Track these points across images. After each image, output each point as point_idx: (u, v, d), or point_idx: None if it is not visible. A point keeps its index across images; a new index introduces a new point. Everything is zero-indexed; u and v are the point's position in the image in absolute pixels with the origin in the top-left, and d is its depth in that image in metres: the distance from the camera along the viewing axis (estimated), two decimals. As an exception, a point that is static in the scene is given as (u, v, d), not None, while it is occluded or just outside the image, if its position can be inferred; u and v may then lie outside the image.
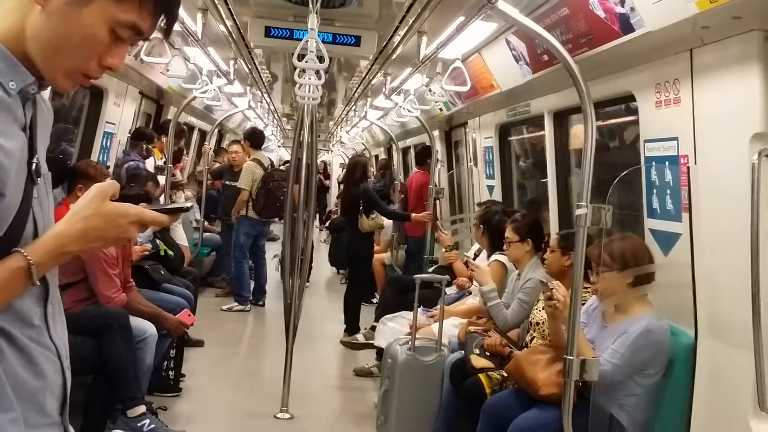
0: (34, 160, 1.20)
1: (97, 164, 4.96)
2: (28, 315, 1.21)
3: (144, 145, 6.57)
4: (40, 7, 1.15)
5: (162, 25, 1.24)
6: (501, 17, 2.83)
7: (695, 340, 2.99)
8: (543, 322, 3.70)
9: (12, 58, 1.16)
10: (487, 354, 3.86)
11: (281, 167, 9.62)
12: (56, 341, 1.28)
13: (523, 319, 4.04)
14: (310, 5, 2.93)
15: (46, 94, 1.26)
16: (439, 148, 8.07)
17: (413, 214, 7.16)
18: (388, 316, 5.21)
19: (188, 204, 1.32)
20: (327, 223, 13.40)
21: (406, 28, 4.47)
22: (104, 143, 5.88)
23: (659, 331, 3.03)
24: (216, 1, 4.23)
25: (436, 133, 8.15)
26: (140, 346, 3.98)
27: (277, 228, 9.73)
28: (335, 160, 19.40)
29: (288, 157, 19.53)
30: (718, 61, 2.80)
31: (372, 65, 6.20)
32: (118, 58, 1.22)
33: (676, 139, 3.10)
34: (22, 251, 1.14)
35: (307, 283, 6.23)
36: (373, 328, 5.94)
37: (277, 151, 19.27)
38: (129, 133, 6.61)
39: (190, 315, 4.61)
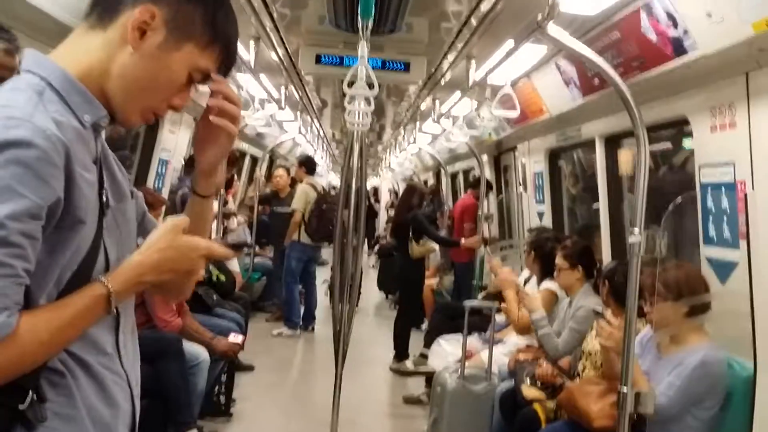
0: (105, 191, 1.24)
1: (155, 191, 5.09)
2: (101, 342, 1.25)
3: (198, 171, 6.68)
4: (131, 48, 1.22)
5: (222, 72, 1.35)
6: (551, 41, 2.81)
7: (755, 373, 2.89)
8: (595, 353, 3.63)
9: (87, 93, 1.22)
10: (538, 384, 3.80)
11: (331, 192, 9.69)
12: (127, 369, 1.31)
13: (574, 347, 3.97)
14: (360, 33, 2.96)
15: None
16: (488, 173, 8.03)
17: (462, 240, 7.12)
18: (444, 335, 5.19)
19: (250, 240, 1.39)
20: (376, 248, 13.41)
21: (455, 53, 4.48)
22: (159, 170, 6.00)
23: (716, 362, 2.94)
24: (268, 30, 4.31)
25: (485, 157, 8.12)
26: (193, 371, 4.04)
27: (326, 253, 9.77)
28: (384, 185, 19.46)
29: (337, 182, 19.70)
30: (775, 85, 2.73)
31: (421, 90, 6.22)
32: (184, 100, 1.32)
33: (732, 164, 3.02)
34: (103, 279, 1.18)
35: (357, 308, 6.23)
36: (423, 356, 5.90)
37: (326, 176, 19.43)
38: (183, 159, 6.74)
39: (236, 335, 4.65)
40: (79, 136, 1.17)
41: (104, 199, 1.23)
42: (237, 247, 1.63)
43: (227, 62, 1.33)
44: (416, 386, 5.87)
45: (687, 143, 4.48)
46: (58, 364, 1.16)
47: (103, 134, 1.38)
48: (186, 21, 1.24)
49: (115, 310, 1.22)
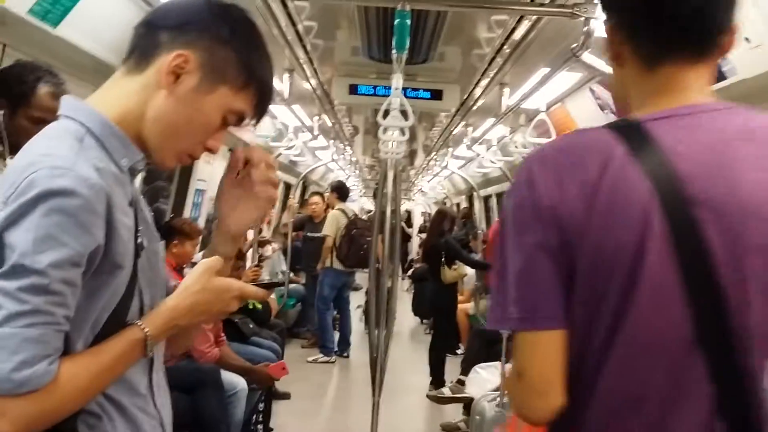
0: (139, 234, 1.26)
1: (192, 222, 5.15)
2: (135, 384, 1.25)
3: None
4: (165, 91, 1.23)
5: (258, 112, 1.34)
6: (586, 69, 2.81)
7: None
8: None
9: (125, 137, 1.23)
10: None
11: (363, 216, 9.72)
12: (160, 409, 1.32)
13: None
14: (395, 65, 2.98)
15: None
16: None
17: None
18: (481, 364, 5.14)
19: (282, 279, 1.39)
20: (409, 272, 13.38)
21: (488, 80, 4.48)
22: (196, 200, 6.09)
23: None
24: (301, 61, 4.37)
25: (519, 181, 8.07)
26: (231, 400, 4.05)
27: (359, 277, 9.78)
28: (417, 209, 19.47)
29: (368, 206, 19.74)
30: (816, 108, 2.69)
31: (454, 116, 6.24)
32: (219, 142, 1.31)
33: None
34: (140, 324, 1.20)
35: (392, 334, 6.21)
36: (460, 382, 5.84)
37: (358, 201, 19.51)
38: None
39: (283, 369, 4.66)
40: (117, 180, 1.19)
41: (139, 241, 1.24)
42: (270, 286, 1.66)
43: (262, 104, 1.33)
44: (454, 413, 5.82)
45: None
46: (94, 406, 1.17)
47: (136, 180, 1.40)
48: (220, 64, 1.25)
49: (151, 353, 1.23)
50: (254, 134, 6.28)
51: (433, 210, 16.51)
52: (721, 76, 2.92)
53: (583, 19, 2.39)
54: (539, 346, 1.13)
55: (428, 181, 14.05)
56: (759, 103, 3.00)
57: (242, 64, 1.26)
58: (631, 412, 1.10)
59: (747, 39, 2.63)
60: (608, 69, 2.56)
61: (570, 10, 2.40)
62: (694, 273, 1.06)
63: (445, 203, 14.35)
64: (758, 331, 1.07)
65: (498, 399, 4.17)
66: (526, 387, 1.15)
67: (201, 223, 6.14)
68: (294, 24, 3.58)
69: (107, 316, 1.17)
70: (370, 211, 14.91)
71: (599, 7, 2.22)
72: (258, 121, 1.38)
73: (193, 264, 4.89)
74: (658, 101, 1.17)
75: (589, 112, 4.63)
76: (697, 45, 1.16)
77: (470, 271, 7.65)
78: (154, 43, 1.24)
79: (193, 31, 1.24)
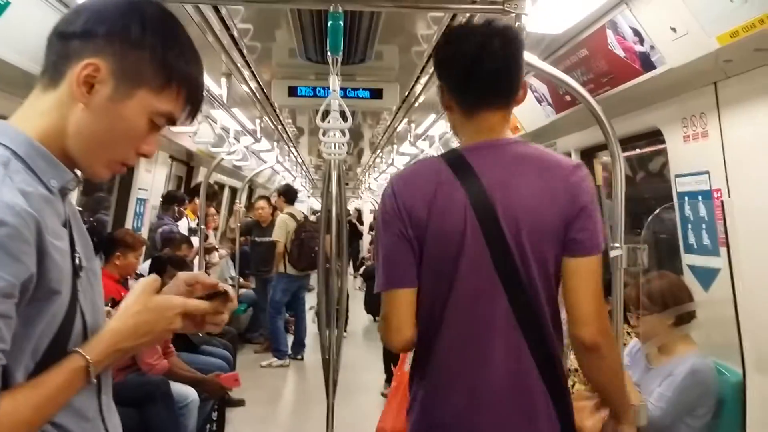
0: (77, 254, 1.22)
1: (134, 232, 5.06)
2: (83, 409, 1.22)
3: (176, 208, 6.67)
4: (81, 105, 1.18)
5: (190, 109, 1.29)
6: (521, 64, 2.83)
7: (744, 377, 2.91)
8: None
9: (52, 157, 1.19)
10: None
11: (312, 217, 9.68)
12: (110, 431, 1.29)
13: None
14: (331, 67, 2.97)
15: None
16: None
17: None
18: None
19: (224, 288, 1.35)
20: (361, 270, 13.39)
21: (427, 76, 4.51)
22: (138, 209, 5.97)
23: (705, 370, 2.95)
24: (239, 65, 4.33)
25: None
26: (183, 412, 3.99)
27: (315, 279, 9.74)
28: (365, 206, 19.46)
29: (317, 206, 19.69)
30: (743, 94, 2.77)
31: (396, 113, 6.25)
32: (153, 145, 1.27)
33: (707, 173, 3.05)
34: (80, 351, 1.16)
35: (345, 334, 6.20)
36: (414, 378, 5.86)
37: (306, 201, 19.42)
38: (161, 197, 6.72)
39: (236, 380, 4.60)
40: (48, 202, 1.15)
41: (77, 262, 1.21)
42: (213, 297, 1.64)
43: (192, 100, 1.27)
44: (410, 410, 5.83)
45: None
46: None
47: (73, 194, 1.36)
48: (134, 68, 1.19)
49: (95, 380, 1.19)
50: (194, 140, 6.19)
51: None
52: (650, 66, 2.99)
53: (514, 15, 2.41)
54: (396, 300, 1.77)
55: (375, 179, 14.05)
56: (689, 89, 3.08)
57: (159, 63, 1.21)
58: (464, 331, 1.74)
59: (673, 29, 2.69)
60: (541, 64, 2.60)
61: (501, 7, 2.42)
62: (494, 244, 1.71)
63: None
64: (536, 274, 1.72)
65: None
66: (388, 326, 1.79)
67: (144, 233, 6.03)
68: (228, 28, 3.54)
69: (48, 342, 1.13)
70: (317, 212, 14.86)
71: (529, 2, 2.26)
72: (193, 118, 1.33)
73: (138, 275, 4.80)
74: (474, 137, 1.82)
75: (527, 104, 4.67)
76: (496, 97, 1.79)
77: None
78: (66, 53, 1.19)
79: (100, 36, 1.18)
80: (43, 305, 1.11)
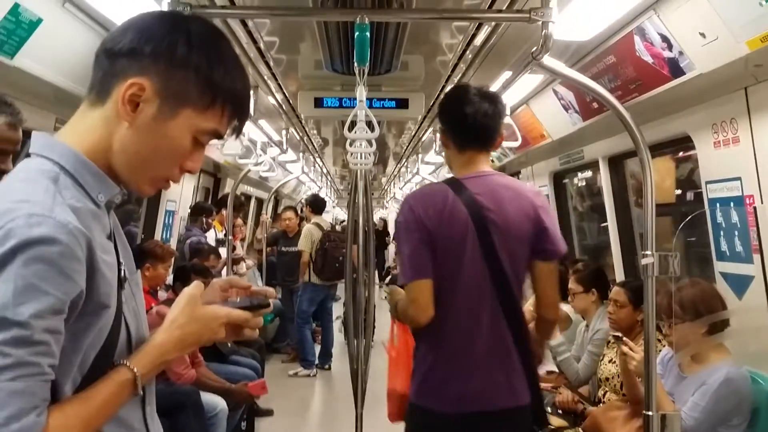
0: (122, 267, 1.23)
1: (164, 244, 5.11)
2: (129, 420, 1.23)
3: (204, 219, 6.72)
4: (126, 123, 1.19)
5: (236, 125, 1.29)
6: (547, 72, 2.82)
7: (779, 387, 2.86)
8: (612, 377, 3.59)
9: (99, 171, 1.20)
10: (560, 412, 3.75)
11: (337, 227, 9.71)
12: None
13: (594, 372, 3.93)
14: (358, 78, 2.98)
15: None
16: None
17: None
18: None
19: (268, 301, 1.37)
20: (387, 280, 13.37)
21: (452, 86, 4.51)
22: (167, 221, 6.03)
23: (740, 379, 2.90)
24: (266, 77, 4.36)
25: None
26: (212, 421, 4.01)
27: (341, 289, 9.77)
28: (391, 216, 19.45)
29: (342, 216, 19.72)
30: (775, 99, 2.74)
31: (421, 122, 6.26)
32: (198, 162, 1.28)
33: (739, 179, 3.02)
34: (128, 364, 1.17)
35: (372, 343, 6.19)
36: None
37: (332, 212, 19.47)
38: (189, 208, 6.77)
39: (264, 387, 4.62)
40: (95, 216, 1.16)
41: (122, 274, 1.22)
42: (255, 308, 1.66)
43: (238, 117, 1.27)
44: (438, 420, 5.80)
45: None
46: None
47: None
48: (180, 86, 1.19)
49: (141, 391, 1.20)
50: (221, 152, 6.24)
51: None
52: (679, 72, 2.96)
53: (540, 23, 2.40)
54: (422, 287, 2.34)
55: (400, 188, 14.04)
56: (719, 95, 3.04)
57: (204, 82, 1.20)
58: (464, 315, 2.36)
59: (702, 34, 2.67)
60: (568, 71, 2.59)
61: (527, 15, 2.41)
62: (487, 248, 2.34)
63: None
64: (513, 272, 2.38)
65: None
66: (417, 307, 2.36)
67: (172, 244, 6.09)
68: (255, 41, 3.57)
69: (95, 354, 1.14)
70: (343, 221, 14.88)
71: (555, 10, 2.25)
72: (239, 134, 1.34)
73: (167, 286, 4.85)
74: (466, 169, 2.47)
75: (553, 112, 4.67)
76: (482, 143, 2.49)
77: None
78: (112, 71, 1.20)
79: (146, 55, 1.18)
80: (91, 319, 1.12)
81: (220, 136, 1.27)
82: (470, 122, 2.44)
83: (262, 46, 3.80)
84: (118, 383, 1.16)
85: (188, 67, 1.20)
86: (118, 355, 1.18)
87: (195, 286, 1.29)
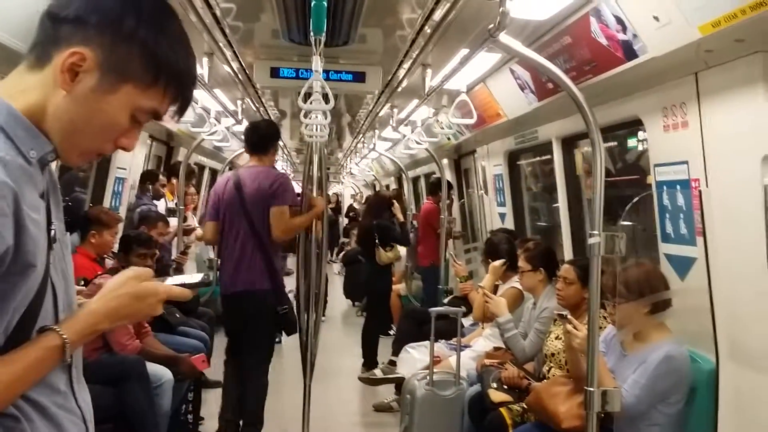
0: (53, 227, 1.20)
1: (109, 210, 5.01)
2: (54, 382, 1.20)
3: (151, 187, 6.61)
4: (64, 92, 1.16)
5: (177, 107, 1.27)
6: (503, 49, 2.83)
7: (717, 366, 2.95)
8: (558, 353, 3.66)
9: (32, 127, 1.16)
10: (505, 387, 3.82)
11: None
12: (81, 405, 1.28)
13: (540, 349, 4.00)
14: (314, 48, 2.95)
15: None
16: (448, 177, 8.06)
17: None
18: (412, 344, 5.18)
19: (209, 277, 1.37)
20: (340, 255, 13.37)
21: (410, 61, 4.49)
22: (116, 188, 5.91)
23: (679, 357, 2.99)
24: (221, 45, 4.27)
25: (445, 161, 8.15)
26: (157, 392, 3.96)
27: (291, 262, 9.72)
28: (346, 191, 19.43)
29: (298, 191, 19.55)
30: (723, 84, 2.79)
31: (378, 98, 6.22)
32: (133, 140, 1.25)
33: (686, 162, 3.08)
34: (57, 329, 1.15)
35: (323, 317, 6.20)
36: (392, 363, 5.89)
37: (288, 185, 19.31)
38: (140, 176, 6.65)
39: (204, 361, 4.58)
40: (26, 173, 1.13)
41: (52, 234, 1.19)
42: (196, 286, 1.64)
43: (181, 97, 1.25)
44: (387, 394, 5.86)
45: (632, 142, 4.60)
46: (12, 409, 1.12)
47: (53, 165, 1.34)
48: (123, 61, 1.16)
49: (69, 359, 1.18)
50: (174, 121, 6.13)
51: (363, 193, 16.49)
52: (632, 54, 2.99)
53: (498, 0, 2.40)
54: (209, 226, 4.91)
55: (357, 164, 14.03)
56: (670, 79, 3.09)
57: (149, 59, 1.17)
58: (231, 239, 4.62)
59: (656, 17, 2.70)
60: (524, 50, 2.60)
61: (485, -9, 2.41)
62: (244, 208, 4.52)
63: (374, 185, 14.36)
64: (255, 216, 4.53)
65: (427, 377, 4.22)
66: (205, 240, 5.77)
67: (122, 212, 5.97)
68: (210, 7, 3.49)
69: (19, 315, 1.11)
70: (298, 195, 14.78)
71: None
72: (181, 115, 1.30)
73: (114, 254, 4.76)
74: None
75: (509, 91, 4.69)
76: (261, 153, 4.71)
77: (403, 253, 7.69)
78: (55, 37, 1.16)
79: (92, 25, 1.15)
80: (18, 279, 1.09)
81: (159, 117, 1.24)
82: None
83: (218, 12, 3.71)
84: (45, 348, 1.13)
85: (134, 43, 1.16)
86: (43, 317, 1.16)
87: (145, 270, 1.29)
